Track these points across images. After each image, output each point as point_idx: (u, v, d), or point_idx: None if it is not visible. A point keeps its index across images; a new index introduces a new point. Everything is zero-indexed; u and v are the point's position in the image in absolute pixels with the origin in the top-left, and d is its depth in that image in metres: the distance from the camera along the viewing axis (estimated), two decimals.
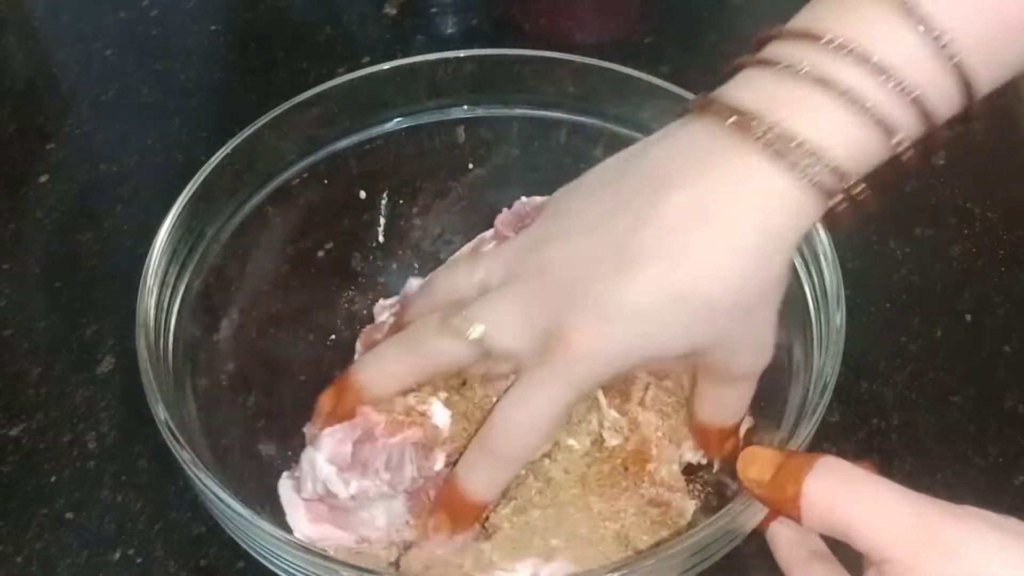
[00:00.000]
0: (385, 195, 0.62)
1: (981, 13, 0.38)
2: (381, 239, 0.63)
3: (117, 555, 0.55)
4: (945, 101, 0.39)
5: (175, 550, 0.55)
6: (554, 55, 0.59)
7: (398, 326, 0.52)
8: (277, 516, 0.52)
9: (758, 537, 0.46)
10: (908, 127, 0.39)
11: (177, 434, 0.47)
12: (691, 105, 0.42)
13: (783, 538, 0.42)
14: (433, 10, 0.82)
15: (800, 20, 0.41)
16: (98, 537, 0.56)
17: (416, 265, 0.63)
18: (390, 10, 0.82)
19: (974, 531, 0.35)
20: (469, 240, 0.60)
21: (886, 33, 0.38)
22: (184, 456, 0.46)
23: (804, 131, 0.39)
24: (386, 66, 0.60)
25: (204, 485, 0.45)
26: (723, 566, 0.46)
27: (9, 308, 0.66)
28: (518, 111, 0.61)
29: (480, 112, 0.61)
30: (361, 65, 0.77)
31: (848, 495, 0.37)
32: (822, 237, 0.52)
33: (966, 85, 0.39)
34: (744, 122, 0.39)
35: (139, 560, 0.55)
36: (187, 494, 0.56)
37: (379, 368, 0.48)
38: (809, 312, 0.53)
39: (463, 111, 0.61)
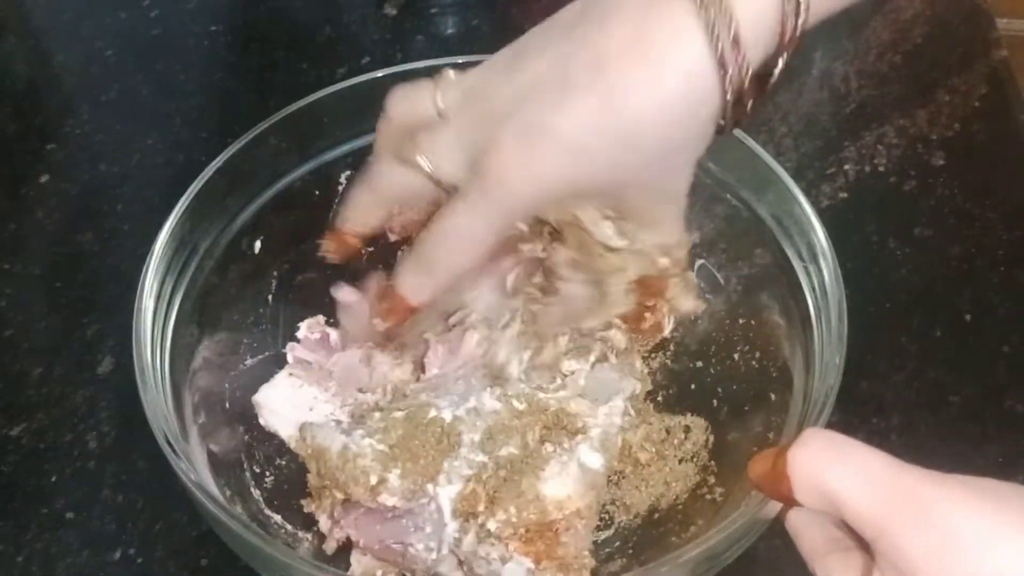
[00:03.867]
0: None
1: None
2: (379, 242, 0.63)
3: (117, 555, 0.55)
4: None
5: (175, 550, 0.55)
6: None
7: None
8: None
9: (767, 540, 0.46)
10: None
11: (176, 448, 0.47)
12: None
13: (803, 528, 0.42)
14: (433, 10, 0.82)
15: None
16: (98, 537, 0.56)
17: None
18: (390, 10, 0.82)
19: (951, 493, 0.35)
20: None
21: None
22: (182, 468, 0.46)
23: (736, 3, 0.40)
24: (379, 73, 0.60)
25: (204, 499, 0.46)
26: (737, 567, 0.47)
27: (9, 308, 0.66)
28: None
29: None
30: (361, 65, 0.77)
31: (830, 461, 0.37)
32: (820, 238, 0.52)
33: None
34: None
35: (139, 560, 0.55)
36: (187, 494, 0.56)
37: (351, 207, 0.50)
38: (810, 315, 0.52)
39: None
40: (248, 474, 0.54)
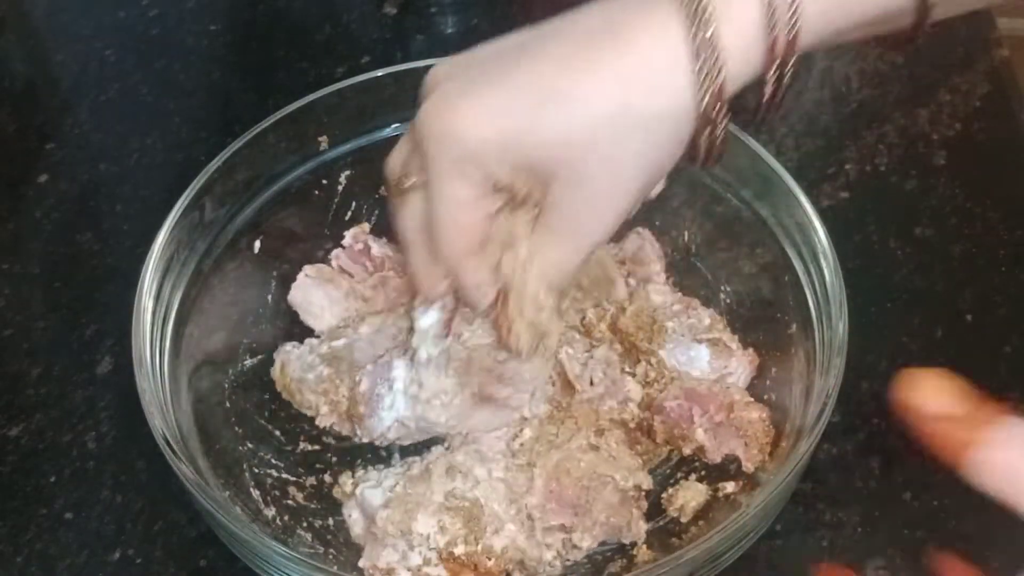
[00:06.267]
0: (383, 201, 0.62)
1: None
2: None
3: (117, 555, 0.55)
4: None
5: (174, 551, 0.55)
6: None
7: None
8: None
9: (767, 540, 0.46)
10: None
11: (175, 448, 0.47)
12: None
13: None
14: (433, 10, 0.82)
15: None
16: (98, 537, 0.56)
17: None
18: (390, 10, 0.82)
19: None
20: None
21: None
22: (182, 468, 0.46)
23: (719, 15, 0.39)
24: (379, 73, 0.60)
25: (204, 500, 0.46)
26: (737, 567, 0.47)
27: (9, 308, 0.66)
28: None
29: None
30: (361, 65, 0.77)
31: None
32: (821, 238, 0.52)
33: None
34: None
35: (139, 560, 0.55)
36: (186, 495, 0.56)
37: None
38: (810, 315, 0.52)
39: None
40: (248, 474, 0.54)
